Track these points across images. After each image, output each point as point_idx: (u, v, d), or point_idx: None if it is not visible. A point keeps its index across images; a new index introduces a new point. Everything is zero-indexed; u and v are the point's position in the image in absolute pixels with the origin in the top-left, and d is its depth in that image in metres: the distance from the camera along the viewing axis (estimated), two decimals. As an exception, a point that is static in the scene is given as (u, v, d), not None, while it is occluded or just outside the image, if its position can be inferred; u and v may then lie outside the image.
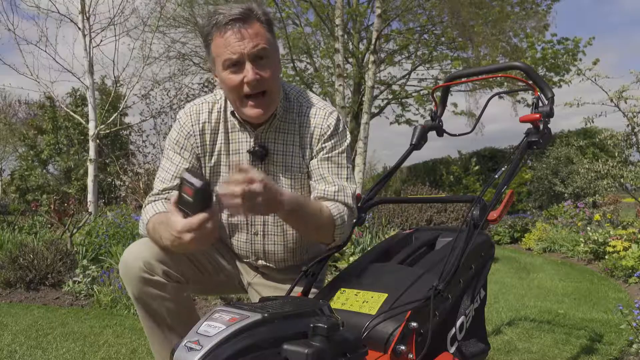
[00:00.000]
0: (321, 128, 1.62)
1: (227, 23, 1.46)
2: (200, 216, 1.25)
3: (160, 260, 1.54)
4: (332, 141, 1.63)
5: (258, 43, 1.48)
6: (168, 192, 1.63)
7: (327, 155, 1.63)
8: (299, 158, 1.64)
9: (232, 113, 1.63)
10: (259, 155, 1.62)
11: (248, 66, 1.48)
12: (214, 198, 1.28)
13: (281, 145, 1.64)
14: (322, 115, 1.63)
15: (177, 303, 1.60)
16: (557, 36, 12.91)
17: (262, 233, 1.71)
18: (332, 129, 1.62)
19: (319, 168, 1.63)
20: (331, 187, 1.60)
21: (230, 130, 1.66)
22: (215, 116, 1.66)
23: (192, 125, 1.65)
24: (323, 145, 1.62)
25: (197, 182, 1.22)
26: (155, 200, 1.63)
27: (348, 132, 1.69)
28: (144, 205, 1.65)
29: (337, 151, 1.64)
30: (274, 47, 1.54)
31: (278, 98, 1.59)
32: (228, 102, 1.65)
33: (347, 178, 1.64)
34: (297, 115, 1.64)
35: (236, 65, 1.49)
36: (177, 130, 1.67)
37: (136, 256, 1.55)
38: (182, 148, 1.65)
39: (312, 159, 1.64)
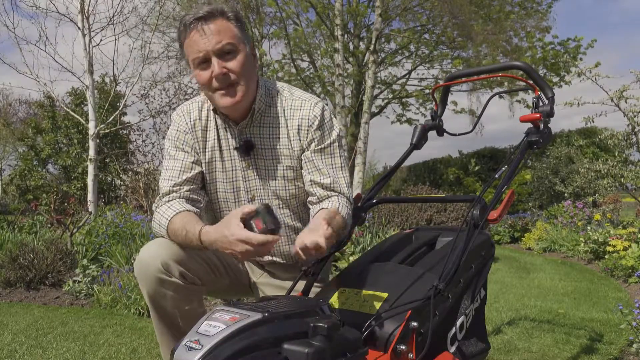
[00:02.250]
0: (308, 119, 1.64)
1: (191, 23, 1.52)
2: (262, 237, 1.32)
3: (177, 262, 1.54)
4: (321, 131, 1.65)
5: (221, 39, 1.51)
6: (179, 188, 1.63)
7: (319, 147, 1.64)
8: (288, 150, 1.66)
9: (214, 110, 1.67)
10: (245, 150, 1.65)
11: (214, 61, 1.52)
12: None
13: (267, 139, 1.66)
14: (307, 107, 1.65)
15: (190, 305, 1.60)
16: (558, 38, 12.94)
17: None
18: (319, 118, 1.64)
19: (312, 160, 1.64)
20: (326, 178, 1.63)
21: (219, 128, 1.69)
22: (205, 114, 1.69)
23: (186, 123, 1.69)
24: (313, 137, 1.64)
25: (269, 224, 1.33)
26: (169, 200, 1.62)
27: (336, 122, 1.71)
28: (155, 207, 1.64)
29: (328, 141, 1.65)
30: (241, 41, 1.56)
31: (251, 89, 1.60)
32: None
33: (340, 167, 1.66)
34: (282, 109, 1.66)
35: (204, 62, 1.53)
36: (174, 129, 1.70)
37: (154, 256, 1.54)
38: (183, 143, 1.68)
39: (303, 151, 1.66)
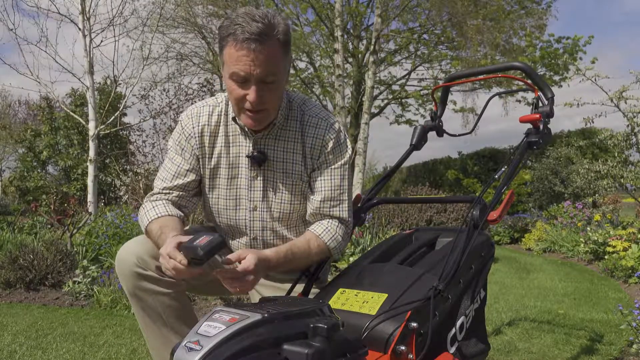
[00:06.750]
0: (323, 139, 1.64)
1: (244, 40, 1.43)
2: (177, 266, 1.34)
3: (153, 256, 1.56)
4: (334, 154, 1.64)
5: (267, 69, 1.46)
6: (168, 191, 1.65)
7: (328, 168, 1.64)
8: (300, 166, 1.65)
9: (234, 119, 1.65)
10: (257, 161, 1.64)
11: (253, 88, 1.48)
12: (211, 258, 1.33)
13: (281, 152, 1.65)
14: (324, 126, 1.65)
15: (171, 298, 1.62)
16: (555, 35, 12.95)
17: (260, 238, 1.72)
18: (333, 140, 1.64)
19: (320, 180, 1.64)
20: (328, 202, 1.64)
21: (230, 134, 1.67)
22: (215, 119, 1.67)
23: (193, 127, 1.67)
24: (326, 158, 1.64)
25: (203, 249, 1.29)
26: (156, 200, 1.65)
27: (349, 143, 1.71)
28: (143, 202, 1.67)
29: (338, 163, 1.65)
30: (284, 68, 1.54)
31: (276, 112, 1.61)
32: (229, 106, 1.67)
33: (346, 191, 1.67)
34: (300, 124, 1.66)
35: (243, 81, 1.49)
36: (178, 131, 1.70)
37: (130, 252, 1.59)
38: (182, 149, 1.68)
39: (313, 169, 1.66)
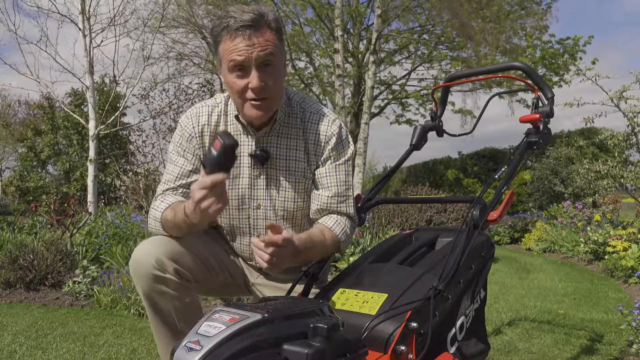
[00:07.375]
0: (325, 135, 1.65)
1: (238, 29, 1.48)
2: (214, 177, 1.33)
3: (171, 258, 1.55)
4: (337, 150, 1.66)
5: (265, 52, 1.49)
6: (173, 191, 1.65)
7: (332, 164, 1.66)
8: (303, 163, 1.66)
9: (237, 117, 1.65)
10: (260, 159, 1.64)
11: (254, 73, 1.50)
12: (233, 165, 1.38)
13: (284, 149, 1.66)
14: (326, 122, 1.66)
15: (184, 302, 1.61)
16: (556, 37, 12.97)
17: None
18: (336, 136, 1.65)
19: (325, 176, 1.65)
20: (335, 197, 1.64)
21: (231, 133, 1.67)
22: (215, 119, 1.68)
23: (193, 128, 1.68)
24: (329, 154, 1.65)
25: (227, 140, 1.33)
26: (163, 196, 1.65)
27: (351, 140, 1.72)
28: (151, 205, 1.66)
29: (342, 159, 1.67)
30: (280, 54, 1.56)
31: (279, 102, 1.62)
32: (229, 106, 1.68)
33: (351, 187, 1.68)
34: (301, 121, 1.67)
35: (242, 69, 1.51)
36: (179, 133, 1.70)
37: (147, 254, 1.56)
38: (184, 150, 1.68)
39: (317, 166, 1.67)
